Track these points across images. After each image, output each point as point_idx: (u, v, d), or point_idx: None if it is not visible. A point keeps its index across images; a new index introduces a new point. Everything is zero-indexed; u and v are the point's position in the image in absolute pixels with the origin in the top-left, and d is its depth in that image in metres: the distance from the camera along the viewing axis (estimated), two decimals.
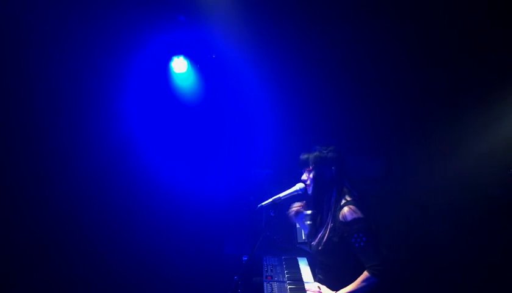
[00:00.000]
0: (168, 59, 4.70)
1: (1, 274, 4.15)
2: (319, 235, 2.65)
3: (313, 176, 2.71)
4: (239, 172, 5.03)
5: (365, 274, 2.44)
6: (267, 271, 3.04)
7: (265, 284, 2.82)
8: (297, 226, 3.76)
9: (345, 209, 2.55)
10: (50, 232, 4.43)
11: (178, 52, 4.64)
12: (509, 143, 4.16)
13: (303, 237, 4.05)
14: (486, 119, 4.24)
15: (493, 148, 4.20)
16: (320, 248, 2.63)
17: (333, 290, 2.60)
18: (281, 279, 2.90)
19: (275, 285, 2.80)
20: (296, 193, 2.79)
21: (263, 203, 2.74)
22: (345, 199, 2.60)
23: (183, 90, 4.92)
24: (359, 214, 2.52)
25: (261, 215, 2.80)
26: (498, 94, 4.15)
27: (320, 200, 2.69)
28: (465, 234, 4.15)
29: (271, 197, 2.75)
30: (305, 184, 2.75)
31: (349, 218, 2.52)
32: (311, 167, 2.72)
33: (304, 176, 2.77)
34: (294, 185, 2.81)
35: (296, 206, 3.00)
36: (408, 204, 4.31)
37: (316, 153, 2.73)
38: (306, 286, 2.78)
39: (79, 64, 4.34)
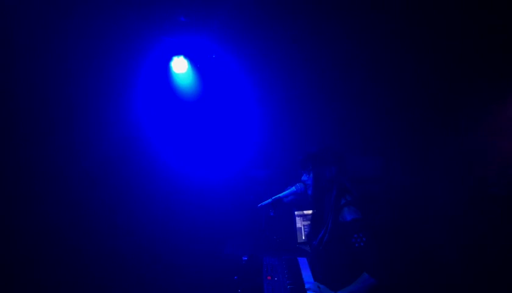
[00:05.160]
0: (168, 59, 4.71)
1: (1, 275, 4.15)
2: (320, 236, 2.65)
3: (313, 176, 2.71)
4: (239, 172, 5.03)
5: (364, 274, 2.45)
6: (267, 271, 3.04)
7: (265, 284, 2.82)
8: (297, 226, 3.77)
9: (346, 209, 2.55)
10: (52, 230, 4.43)
11: (178, 52, 4.64)
12: (509, 142, 4.16)
13: (303, 237, 4.06)
14: (485, 118, 4.24)
15: (493, 147, 4.20)
16: (321, 248, 2.63)
17: (332, 290, 2.60)
18: (281, 279, 2.90)
19: (275, 285, 2.80)
20: (296, 193, 2.80)
21: (263, 203, 2.75)
22: (346, 199, 2.60)
23: (183, 89, 4.93)
24: (359, 214, 2.52)
25: (261, 215, 2.81)
26: (497, 93, 4.15)
27: (321, 200, 2.69)
28: (465, 234, 4.15)
29: (271, 197, 2.76)
30: (305, 185, 2.75)
31: (349, 218, 2.52)
32: (311, 167, 2.73)
33: (304, 177, 2.78)
34: (293, 185, 2.82)
35: None
36: (407, 204, 4.31)
37: (316, 153, 2.74)
38: (306, 286, 2.78)
39: (81, 64, 4.34)
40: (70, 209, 4.52)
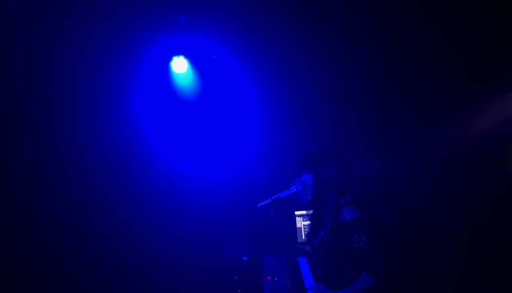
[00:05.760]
0: (168, 59, 4.71)
1: (1, 274, 4.15)
2: (320, 235, 2.64)
3: (313, 176, 2.71)
4: (239, 172, 5.03)
5: (364, 274, 2.44)
6: (267, 271, 3.04)
7: (265, 284, 2.82)
8: (297, 226, 3.77)
9: (345, 209, 2.55)
10: (51, 230, 4.43)
11: (178, 52, 4.64)
12: (509, 142, 4.16)
13: (303, 237, 4.06)
14: (485, 118, 4.24)
15: (493, 147, 4.20)
16: (321, 248, 2.63)
17: (333, 290, 2.60)
18: (281, 279, 2.90)
19: (275, 285, 2.80)
20: (296, 193, 2.79)
21: (263, 203, 2.75)
22: (345, 199, 2.60)
23: (183, 89, 4.93)
24: (358, 214, 2.52)
25: (261, 215, 2.81)
26: (498, 93, 4.15)
27: (321, 200, 2.69)
28: (465, 234, 4.15)
29: (271, 197, 2.76)
30: (305, 185, 2.75)
31: (348, 217, 2.52)
32: (311, 168, 2.72)
33: (304, 177, 2.78)
34: (293, 185, 2.81)
35: None
36: (407, 204, 4.31)
37: (316, 153, 2.73)
38: (306, 286, 2.78)
39: (81, 64, 4.34)
40: (70, 208, 4.52)
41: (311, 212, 3.08)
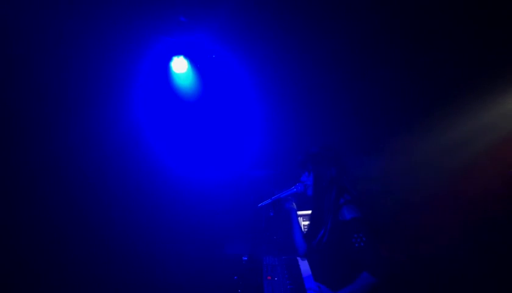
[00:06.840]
0: (168, 59, 4.71)
1: (1, 275, 4.15)
2: (320, 235, 2.65)
3: (313, 176, 2.71)
4: (239, 172, 5.03)
5: (365, 273, 2.45)
6: (267, 271, 3.03)
7: (265, 284, 2.82)
8: None
9: (345, 208, 2.55)
10: (50, 231, 4.43)
11: (178, 52, 4.65)
12: (509, 142, 4.16)
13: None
14: (485, 118, 4.24)
15: (493, 147, 4.20)
16: (320, 248, 2.63)
17: (332, 289, 2.60)
18: (281, 279, 2.90)
19: (275, 285, 2.80)
20: (295, 193, 2.80)
21: (263, 203, 2.75)
22: (345, 199, 2.60)
23: (183, 89, 4.93)
24: (358, 213, 2.52)
25: (261, 215, 2.81)
26: (498, 93, 4.15)
27: (321, 200, 2.69)
28: (465, 233, 4.15)
29: (271, 197, 2.76)
30: (305, 185, 2.75)
31: (348, 217, 2.52)
32: (311, 168, 2.72)
33: (304, 177, 2.78)
34: (293, 185, 2.82)
35: None
36: (408, 203, 4.31)
37: (316, 153, 2.74)
38: (306, 286, 2.78)
39: (81, 64, 4.34)
40: (70, 209, 4.52)
41: (310, 211, 3.08)
